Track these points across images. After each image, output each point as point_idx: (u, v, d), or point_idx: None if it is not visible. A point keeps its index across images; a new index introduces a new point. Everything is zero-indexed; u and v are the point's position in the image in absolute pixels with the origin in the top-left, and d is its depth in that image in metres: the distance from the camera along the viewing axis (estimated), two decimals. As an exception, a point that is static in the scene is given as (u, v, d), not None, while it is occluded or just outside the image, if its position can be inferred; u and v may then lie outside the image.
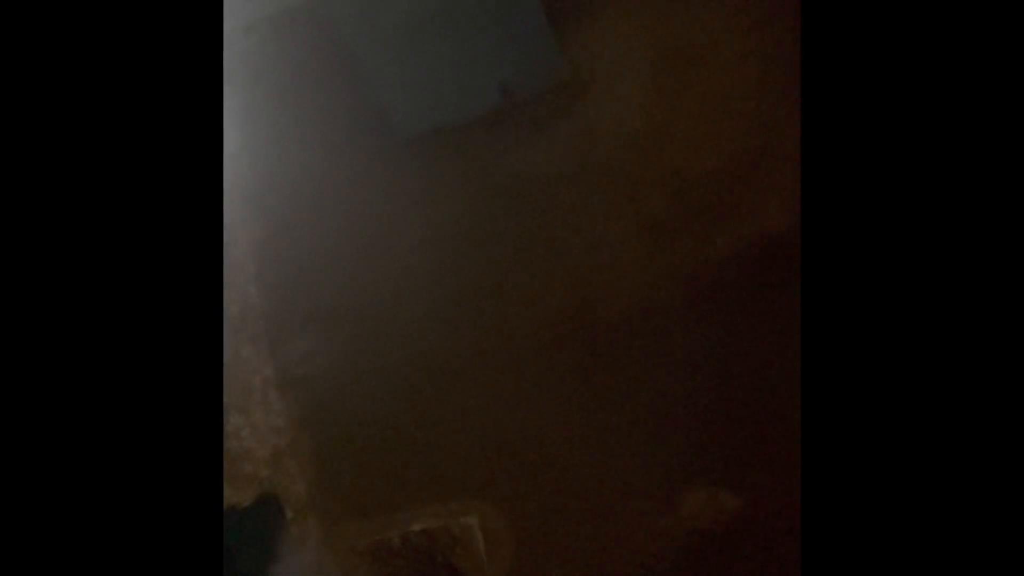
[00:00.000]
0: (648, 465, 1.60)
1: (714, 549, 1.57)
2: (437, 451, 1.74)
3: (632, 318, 1.60)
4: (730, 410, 1.54)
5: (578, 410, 1.64)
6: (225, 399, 1.91)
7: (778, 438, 1.49)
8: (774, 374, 1.50)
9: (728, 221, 1.53)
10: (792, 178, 1.47)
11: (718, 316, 1.54)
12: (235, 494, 1.93)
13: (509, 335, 1.67)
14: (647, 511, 1.61)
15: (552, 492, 1.67)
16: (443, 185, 1.70)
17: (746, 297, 1.53)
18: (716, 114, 1.52)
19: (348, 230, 1.76)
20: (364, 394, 1.78)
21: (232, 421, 1.92)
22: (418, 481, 1.76)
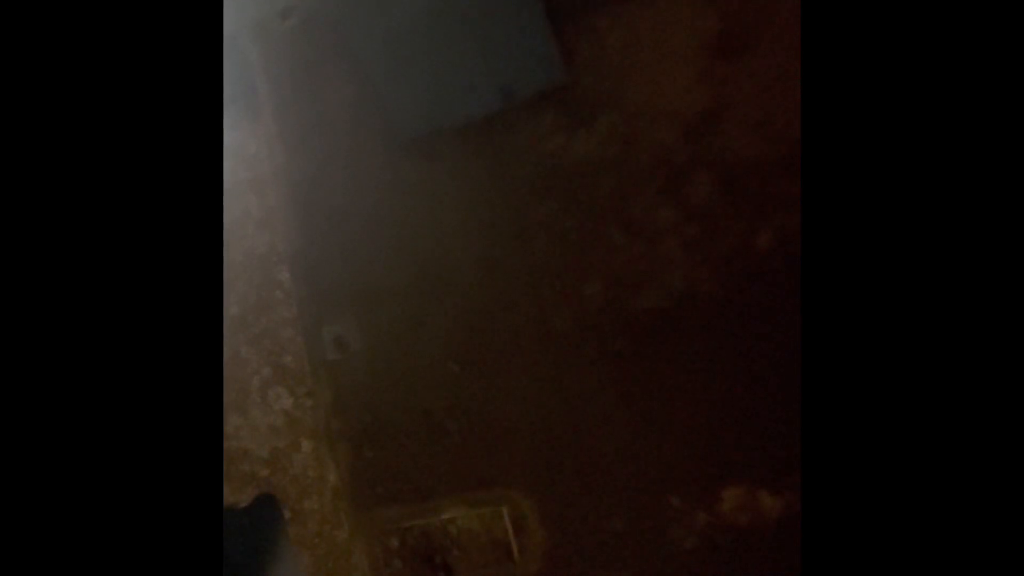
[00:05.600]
0: (685, 459, 1.59)
1: (751, 547, 1.56)
2: (470, 440, 1.74)
3: (671, 308, 1.58)
4: (770, 406, 1.53)
5: (614, 402, 1.63)
6: (224, 399, 1.92)
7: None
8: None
9: (773, 212, 1.51)
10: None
11: (760, 308, 1.52)
12: (234, 494, 1.93)
13: (545, 324, 1.66)
14: (683, 506, 1.60)
15: (585, 484, 1.67)
16: (481, 172, 1.68)
17: (789, 290, 1.51)
18: (764, 101, 1.50)
19: (384, 219, 1.76)
20: (397, 381, 1.78)
21: (231, 421, 1.92)
22: (449, 469, 1.76)
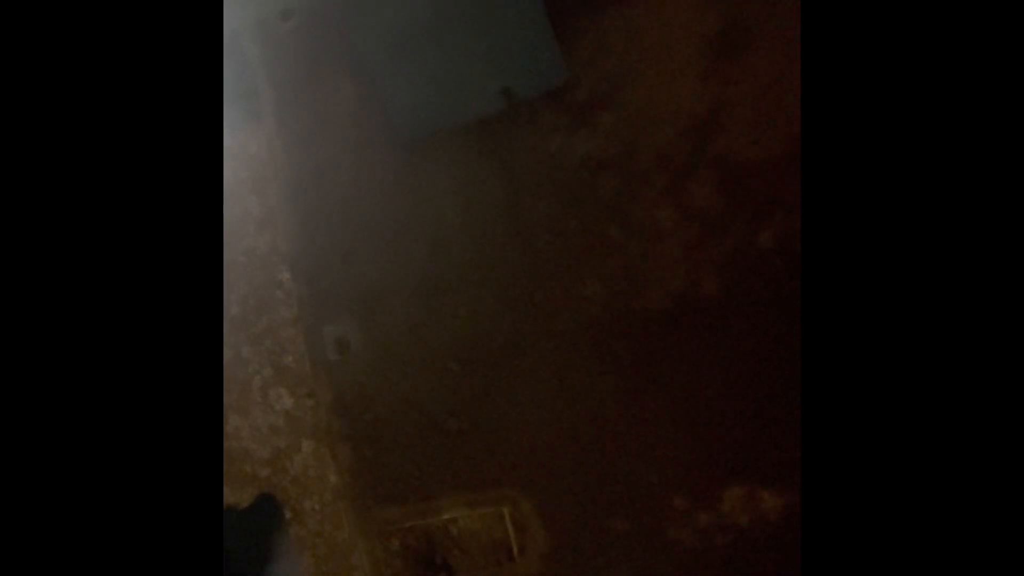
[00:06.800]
0: (686, 460, 1.59)
1: (753, 548, 1.56)
2: (470, 440, 1.74)
3: (672, 310, 1.58)
4: (771, 407, 1.53)
5: (615, 402, 1.63)
6: (225, 399, 1.92)
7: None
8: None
9: (774, 212, 1.50)
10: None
11: (761, 309, 1.52)
12: (234, 494, 1.93)
13: (545, 325, 1.66)
14: (685, 507, 1.60)
15: (586, 484, 1.67)
16: (481, 172, 1.68)
17: (790, 290, 1.51)
18: (765, 101, 1.50)
19: (385, 219, 1.76)
20: (398, 381, 1.78)
21: (232, 422, 1.92)
22: (451, 469, 1.77)
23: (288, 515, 1.90)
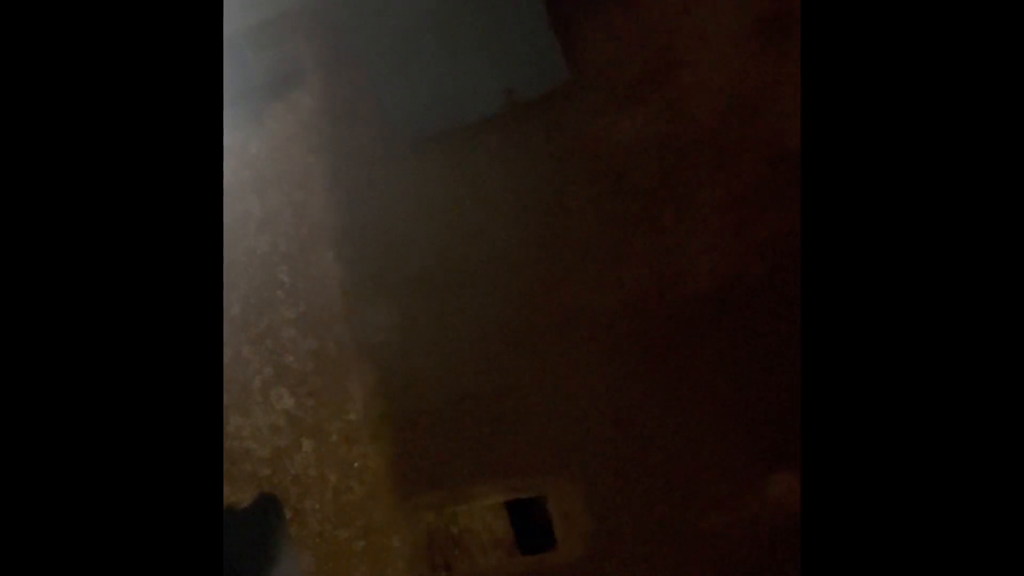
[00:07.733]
0: (731, 447, 1.56)
1: (798, 532, 1.53)
2: (512, 425, 1.71)
3: (716, 293, 1.54)
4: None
5: (658, 388, 1.60)
6: (225, 399, 1.92)
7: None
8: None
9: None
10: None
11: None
12: (234, 494, 1.93)
13: (588, 308, 1.62)
14: (730, 494, 1.57)
15: (630, 471, 1.63)
16: (524, 154, 1.64)
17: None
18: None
19: (428, 201, 1.72)
20: (440, 365, 1.75)
21: (232, 421, 1.92)
22: (492, 454, 1.73)
23: (288, 515, 1.90)
